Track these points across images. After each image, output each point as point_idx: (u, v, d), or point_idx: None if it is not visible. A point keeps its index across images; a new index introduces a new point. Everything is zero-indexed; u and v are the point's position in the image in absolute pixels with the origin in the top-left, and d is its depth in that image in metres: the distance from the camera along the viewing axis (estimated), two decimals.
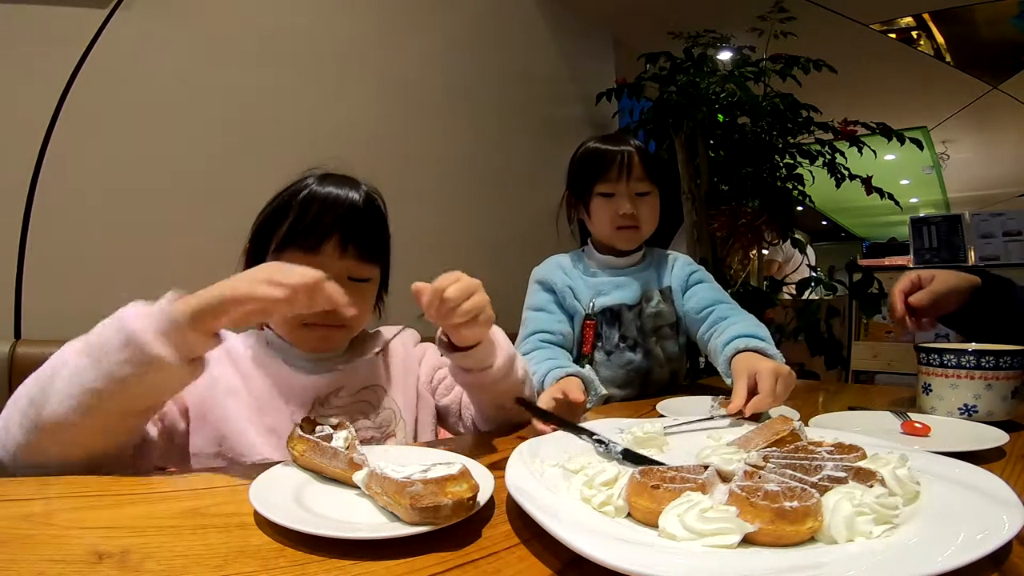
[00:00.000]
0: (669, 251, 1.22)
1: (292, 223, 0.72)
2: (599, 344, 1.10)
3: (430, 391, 0.84)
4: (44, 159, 1.22)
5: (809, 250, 2.68)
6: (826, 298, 2.43)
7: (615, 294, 1.11)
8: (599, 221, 1.12)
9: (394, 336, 0.82)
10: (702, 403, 0.90)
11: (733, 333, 0.97)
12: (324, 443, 0.51)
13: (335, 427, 0.56)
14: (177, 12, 1.41)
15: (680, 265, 1.19)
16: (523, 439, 0.59)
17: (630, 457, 0.55)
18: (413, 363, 0.85)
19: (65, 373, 0.50)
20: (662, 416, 0.83)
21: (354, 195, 0.74)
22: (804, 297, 2.26)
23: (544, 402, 0.80)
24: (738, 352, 0.91)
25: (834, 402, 1.01)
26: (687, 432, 0.68)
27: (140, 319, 0.50)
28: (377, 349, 0.80)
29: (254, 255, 0.75)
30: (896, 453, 0.48)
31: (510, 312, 1.20)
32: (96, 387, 0.49)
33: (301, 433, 0.54)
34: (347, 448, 0.51)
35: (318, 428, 0.56)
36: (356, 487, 0.47)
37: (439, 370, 0.85)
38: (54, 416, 0.50)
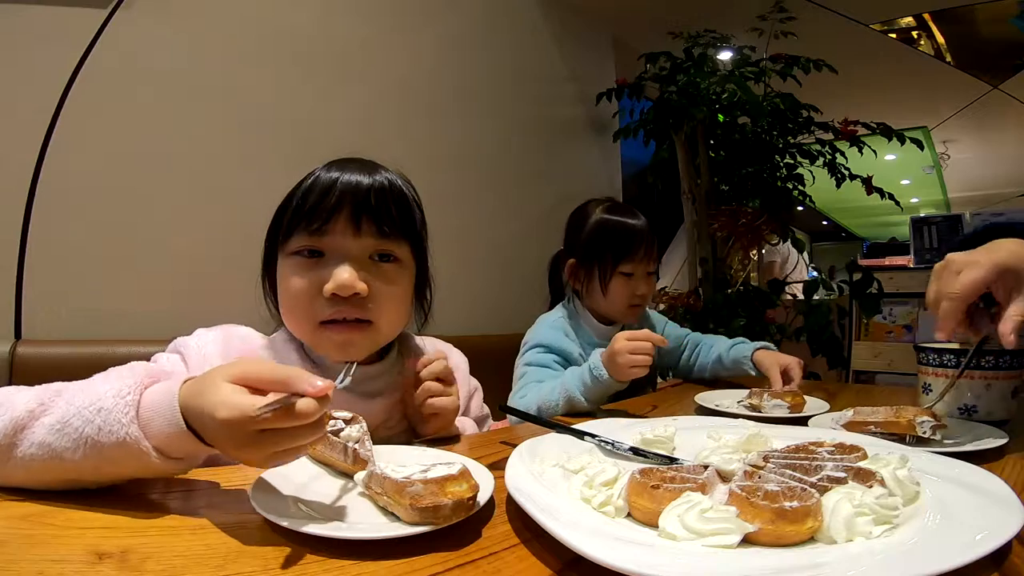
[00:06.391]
0: (647, 310, 1.31)
1: (295, 209, 0.65)
2: None
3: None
4: (44, 159, 1.22)
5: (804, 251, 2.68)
6: (827, 298, 2.43)
7: None
8: (616, 299, 1.14)
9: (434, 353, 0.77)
10: (734, 396, 0.98)
11: (731, 342, 1.20)
12: (333, 438, 0.52)
13: (348, 421, 0.56)
14: (177, 12, 1.40)
15: (658, 321, 1.35)
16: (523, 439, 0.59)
17: (639, 454, 0.55)
18: (462, 397, 0.78)
19: (37, 436, 0.44)
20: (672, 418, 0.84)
21: (365, 173, 0.66)
22: (815, 298, 2.25)
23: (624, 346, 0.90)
24: (755, 351, 1.16)
25: (834, 402, 1.01)
26: (694, 430, 0.68)
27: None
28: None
29: (267, 263, 0.70)
30: (896, 453, 0.48)
31: (511, 312, 1.21)
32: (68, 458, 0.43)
33: None
34: (356, 443, 0.51)
35: (331, 422, 0.56)
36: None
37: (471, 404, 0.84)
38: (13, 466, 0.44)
